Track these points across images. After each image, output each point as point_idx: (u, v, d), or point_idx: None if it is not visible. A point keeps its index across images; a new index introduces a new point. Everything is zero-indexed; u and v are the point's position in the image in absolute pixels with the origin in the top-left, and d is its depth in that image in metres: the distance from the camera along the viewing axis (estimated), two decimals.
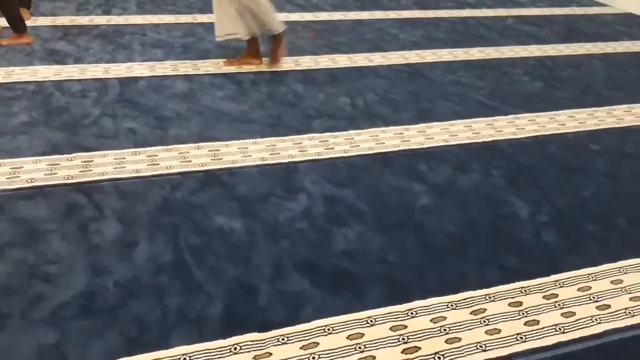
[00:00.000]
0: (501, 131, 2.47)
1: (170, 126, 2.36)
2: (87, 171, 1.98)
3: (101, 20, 3.76)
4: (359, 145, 2.30)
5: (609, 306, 1.49)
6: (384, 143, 2.33)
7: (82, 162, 2.04)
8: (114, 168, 2.01)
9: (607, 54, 3.67)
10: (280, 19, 3.12)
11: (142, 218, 1.74)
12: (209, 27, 3.75)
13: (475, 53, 3.54)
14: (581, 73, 3.30)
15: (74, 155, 2.09)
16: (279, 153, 2.19)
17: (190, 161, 2.09)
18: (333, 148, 2.27)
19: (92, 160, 2.06)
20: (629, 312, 1.47)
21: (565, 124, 2.57)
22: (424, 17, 4.36)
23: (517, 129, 2.50)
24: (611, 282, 1.58)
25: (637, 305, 1.49)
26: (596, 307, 1.48)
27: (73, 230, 1.68)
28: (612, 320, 1.44)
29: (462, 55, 3.48)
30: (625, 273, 1.62)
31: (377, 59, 3.37)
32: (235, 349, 1.29)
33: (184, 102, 2.60)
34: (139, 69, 2.95)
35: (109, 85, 2.74)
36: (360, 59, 3.35)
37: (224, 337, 1.32)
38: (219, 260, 1.58)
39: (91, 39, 3.37)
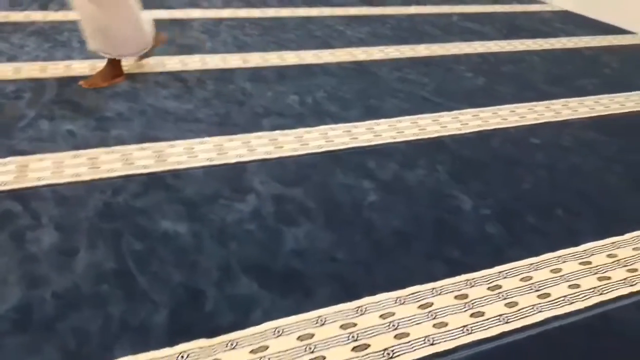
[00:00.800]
0: (446, 127, 2.53)
1: (111, 127, 2.27)
2: (23, 177, 1.88)
3: (37, 16, 3.58)
4: (308, 144, 2.30)
5: (549, 294, 1.55)
6: (333, 141, 2.34)
7: (16, 167, 1.94)
8: (52, 173, 1.92)
9: (545, 50, 3.82)
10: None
11: (82, 224, 1.67)
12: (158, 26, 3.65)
13: (421, 50, 3.60)
14: (522, 69, 3.42)
15: (7, 159, 1.97)
16: (227, 153, 2.16)
17: (133, 163, 2.02)
18: (282, 147, 2.25)
19: (28, 165, 1.95)
20: (568, 300, 1.53)
21: (507, 119, 2.66)
22: (370, 14, 4.40)
23: (461, 124, 2.56)
24: (551, 271, 1.65)
25: (575, 293, 1.56)
26: (537, 296, 1.54)
27: (6, 240, 1.58)
28: (552, 309, 1.49)
29: (408, 52, 3.53)
30: (564, 262, 1.69)
31: (326, 56, 3.37)
32: (182, 356, 1.25)
33: (126, 101, 2.51)
34: (79, 67, 2.83)
35: (46, 85, 2.61)
36: (309, 57, 3.34)
37: (171, 345, 1.28)
38: (163, 266, 1.53)
39: (26, 36, 3.20)
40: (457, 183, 2.08)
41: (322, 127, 2.45)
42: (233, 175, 2.02)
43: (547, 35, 4.20)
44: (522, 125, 2.61)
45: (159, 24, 3.60)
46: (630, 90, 3.16)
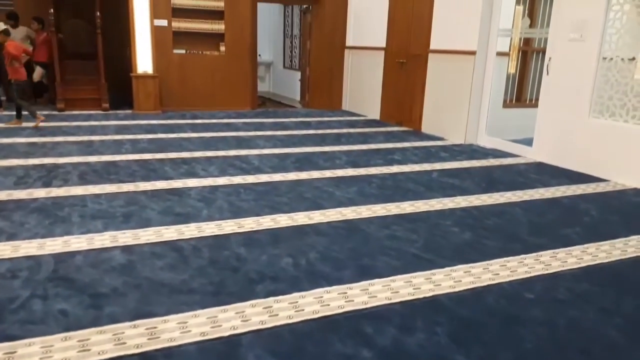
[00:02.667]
0: (440, 285, 2.54)
1: (105, 304, 2.26)
2: None
3: (40, 193, 3.76)
4: (303, 309, 2.28)
5: None
6: (328, 304, 2.32)
7: (3, 354, 1.88)
8: (39, 359, 1.85)
9: (525, 201, 4.02)
10: None
11: None
12: (151, 194, 3.84)
13: (407, 207, 3.77)
14: (505, 221, 3.56)
15: None
16: (221, 325, 2.12)
17: (125, 343, 1.97)
18: (277, 314, 2.23)
19: (16, 351, 1.89)
20: None
21: (498, 274, 2.69)
22: (357, 175, 4.68)
23: (454, 281, 2.58)
24: None
25: None
26: None
27: None
28: None
29: (394, 210, 3.69)
30: None
31: (317, 216, 3.50)
32: None
33: (121, 275, 2.53)
34: (77, 242, 2.90)
35: (43, 262, 2.64)
36: (301, 218, 3.47)
37: None
38: None
39: (28, 214, 3.33)
40: (459, 347, 2.03)
41: (316, 290, 2.46)
42: (227, 350, 1.96)
43: (525, 186, 4.45)
44: (515, 280, 2.63)
45: (157, 194, 3.80)
46: (614, 238, 3.26)
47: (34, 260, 2.65)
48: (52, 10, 7.35)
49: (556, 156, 5.27)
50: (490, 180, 4.65)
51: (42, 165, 4.55)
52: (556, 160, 5.26)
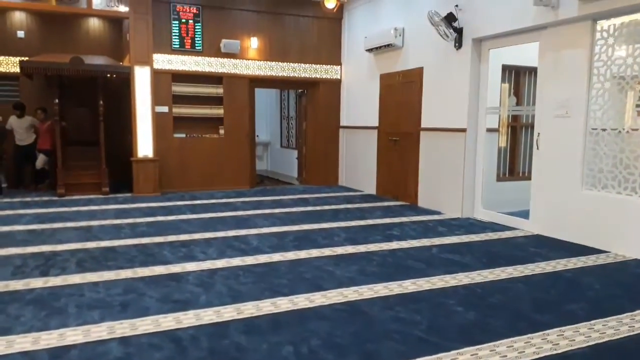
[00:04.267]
0: None
1: None
2: None
3: (37, 283, 3.72)
4: None
5: None
6: None
7: None
8: None
9: (527, 276, 3.99)
10: None
11: None
12: (150, 281, 3.80)
13: (409, 285, 3.73)
14: (509, 298, 3.51)
15: None
16: None
17: None
18: None
19: None
20: None
21: (506, 356, 2.62)
22: (356, 252, 4.67)
23: None
24: None
25: None
26: None
27: None
28: None
29: (396, 289, 3.65)
30: None
31: (318, 298, 3.45)
32: None
33: None
34: (72, 335, 2.83)
35: (37, 358, 2.57)
36: (302, 301, 3.42)
37: None
38: None
39: (23, 305, 3.27)
40: None
41: None
42: None
43: (525, 260, 4.43)
44: None
45: (155, 280, 3.76)
46: (620, 313, 3.21)
47: (29, 357, 2.57)
48: (57, 100, 7.65)
49: (553, 228, 5.29)
50: (490, 254, 4.64)
51: (41, 254, 4.52)
52: (554, 233, 5.28)
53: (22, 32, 8.44)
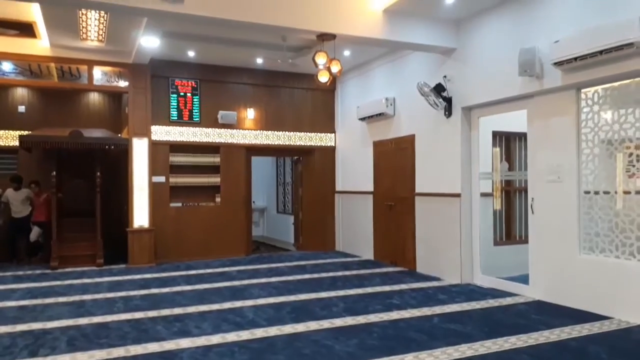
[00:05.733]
0: None
1: None
2: None
3: None
4: None
5: None
6: None
7: None
8: None
9: (532, 346, 3.88)
10: None
11: None
12: (143, 358, 3.67)
13: None
14: None
15: None
16: None
17: None
18: None
19: None
20: None
21: None
22: (356, 324, 4.56)
23: None
24: None
25: None
26: None
27: None
28: None
29: None
30: None
31: None
32: None
33: None
34: None
35: None
36: None
37: None
38: None
39: None
40: None
41: None
42: None
43: (528, 329, 4.32)
44: None
45: (148, 358, 3.63)
46: None
47: None
48: (54, 172, 7.71)
49: (554, 294, 5.21)
50: (493, 323, 4.53)
51: (30, 332, 4.39)
52: (555, 298, 5.19)
53: (23, 106, 8.66)
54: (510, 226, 6.90)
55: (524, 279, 5.66)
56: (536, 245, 5.44)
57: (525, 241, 5.80)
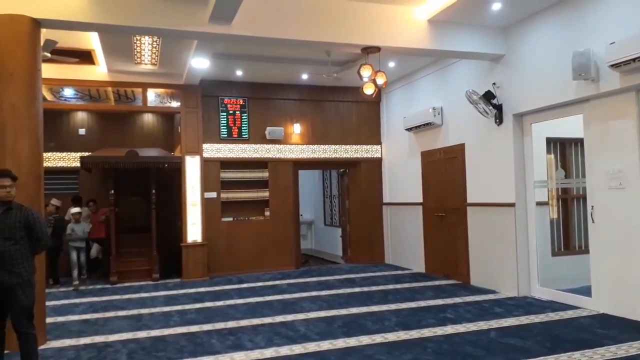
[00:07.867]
0: None
1: None
2: None
3: None
4: None
5: None
6: None
7: None
8: None
9: None
10: None
11: None
12: None
13: None
14: None
15: None
16: None
17: None
18: None
19: None
20: None
21: None
22: (409, 339, 4.47)
23: None
24: None
25: None
26: None
27: None
28: None
29: None
30: None
31: None
32: None
33: None
34: None
35: None
36: None
37: None
38: None
39: None
40: None
41: None
42: None
43: (593, 344, 4.10)
44: None
45: None
46: None
47: None
48: (112, 190, 8.07)
49: (620, 306, 4.93)
50: (554, 338, 4.34)
51: (93, 345, 4.58)
52: (621, 311, 4.91)
53: (83, 129, 9.13)
54: (568, 236, 6.61)
55: (585, 291, 5.40)
56: (598, 255, 5.18)
57: (586, 251, 5.54)
